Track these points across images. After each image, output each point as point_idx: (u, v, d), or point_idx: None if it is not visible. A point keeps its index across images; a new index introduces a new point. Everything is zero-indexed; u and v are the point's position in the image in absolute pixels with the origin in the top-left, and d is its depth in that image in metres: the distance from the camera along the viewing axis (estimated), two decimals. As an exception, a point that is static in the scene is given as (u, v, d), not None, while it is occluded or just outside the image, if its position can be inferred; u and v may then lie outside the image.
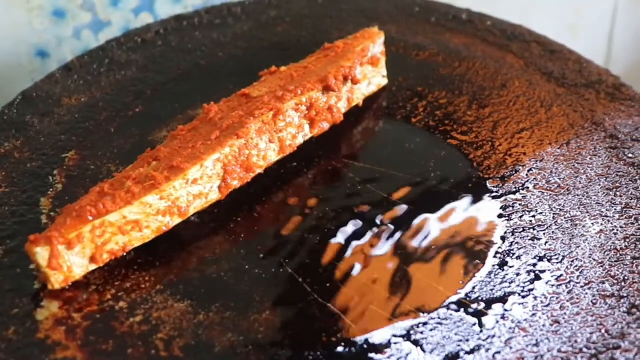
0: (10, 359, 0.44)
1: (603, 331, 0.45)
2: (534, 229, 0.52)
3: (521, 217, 0.53)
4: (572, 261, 0.49)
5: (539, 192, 0.54)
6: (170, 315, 0.47)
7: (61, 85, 0.64)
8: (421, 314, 0.47)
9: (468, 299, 0.48)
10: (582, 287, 0.48)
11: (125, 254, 0.50)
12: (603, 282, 0.48)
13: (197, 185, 0.51)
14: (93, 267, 0.49)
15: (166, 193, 0.50)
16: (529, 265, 0.49)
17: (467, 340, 0.45)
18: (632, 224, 0.51)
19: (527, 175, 0.55)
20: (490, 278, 0.49)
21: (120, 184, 0.50)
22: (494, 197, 0.54)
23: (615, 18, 1.01)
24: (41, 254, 0.46)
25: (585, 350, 0.44)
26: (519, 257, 0.50)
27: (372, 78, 0.62)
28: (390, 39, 0.66)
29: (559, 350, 0.44)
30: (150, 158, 0.53)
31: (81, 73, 0.65)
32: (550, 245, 0.51)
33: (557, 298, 0.47)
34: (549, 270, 0.49)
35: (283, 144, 0.56)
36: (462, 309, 0.47)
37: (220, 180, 0.53)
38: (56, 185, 0.55)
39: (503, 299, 0.47)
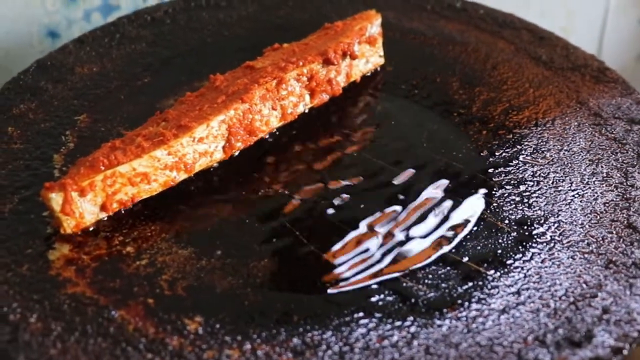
0: (23, 292, 0.46)
1: (581, 282, 0.48)
2: (520, 195, 0.55)
3: (508, 183, 0.56)
4: (555, 223, 0.52)
5: (526, 163, 0.57)
6: (174, 260, 0.50)
7: (74, 55, 0.67)
8: (411, 266, 0.50)
9: (455, 254, 0.51)
10: (563, 245, 0.51)
11: (133, 206, 0.53)
12: (583, 241, 0.51)
13: (203, 143, 0.54)
14: (103, 215, 0.52)
15: (174, 149, 0.53)
16: (513, 226, 0.52)
17: (454, 290, 0.48)
18: (612, 190, 0.55)
19: (515, 148, 0.59)
20: (476, 236, 0.52)
21: (131, 140, 0.53)
22: (483, 167, 0.57)
23: (606, 21, 1.05)
24: (55, 199, 0.49)
25: (564, 297, 0.47)
26: (504, 219, 0.53)
27: (370, 57, 0.65)
28: (387, 24, 0.69)
29: (540, 297, 0.47)
30: (159, 119, 0.56)
31: (93, 45, 0.68)
32: (534, 208, 0.54)
33: (539, 254, 0.50)
34: (532, 230, 0.52)
35: (285, 112, 0.59)
36: (450, 264, 0.50)
37: (224, 141, 0.56)
38: (68, 144, 0.58)
39: (489, 255, 0.50)
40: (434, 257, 0.50)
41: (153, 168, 0.53)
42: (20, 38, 0.83)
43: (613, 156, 0.57)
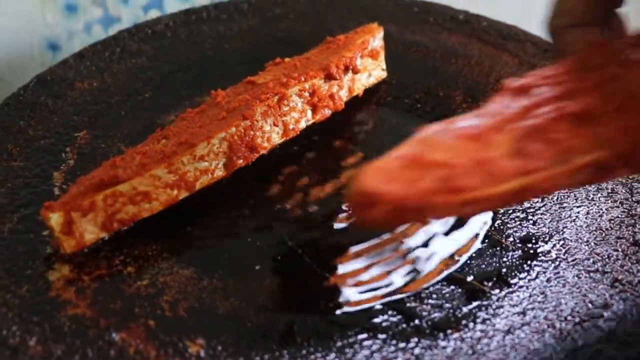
0: (23, 314, 0.46)
1: (587, 302, 0.48)
2: (525, 212, 0.54)
3: (512, 199, 0.55)
4: (560, 240, 0.52)
5: (530, 178, 0.57)
6: (175, 280, 0.49)
7: (74, 70, 0.66)
8: (415, 286, 0.49)
9: (460, 273, 0.50)
10: (568, 263, 0.50)
11: (134, 225, 0.52)
12: (588, 259, 0.50)
13: (204, 161, 0.54)
14: (103, 234, 0.51)
15: (174, 167, 0.52)
16: (518, 243, 0.52)
17: (458, 311, 0.48)
18: (617, 207, 0.54)
19: (518, 162, 0.58)
20: (481, 255, 0.51)
21: (131, 158, 0.53)
22: (486, 182, 0.57)
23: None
24: (55, 219, 0.49)
25: (569, 318, 0.47)
26: (508, 236, 0.52)
27: (372, 70, 0.65)
28: (389, 37, 0.69)
29: (545, 318, 0.47)
30: (160, 137, 0.55)
31: (93, 60, 0.68)
32: (539, 225, 0.53)
33: (544, 273, 0.50)
34: (537, 247, 0.51)
35: (286, 128, 0.59)
36: (454, 283, 0.49)
37: (225, 158, 0.55)
38: (68, 161, 0.57)
39: (493, 274, 0.50)
40: (439, 277, 0.50)
41: (154, 187, 0.52)
42: (21, 50, 0.83)
43: (618, 172, 0.57)
